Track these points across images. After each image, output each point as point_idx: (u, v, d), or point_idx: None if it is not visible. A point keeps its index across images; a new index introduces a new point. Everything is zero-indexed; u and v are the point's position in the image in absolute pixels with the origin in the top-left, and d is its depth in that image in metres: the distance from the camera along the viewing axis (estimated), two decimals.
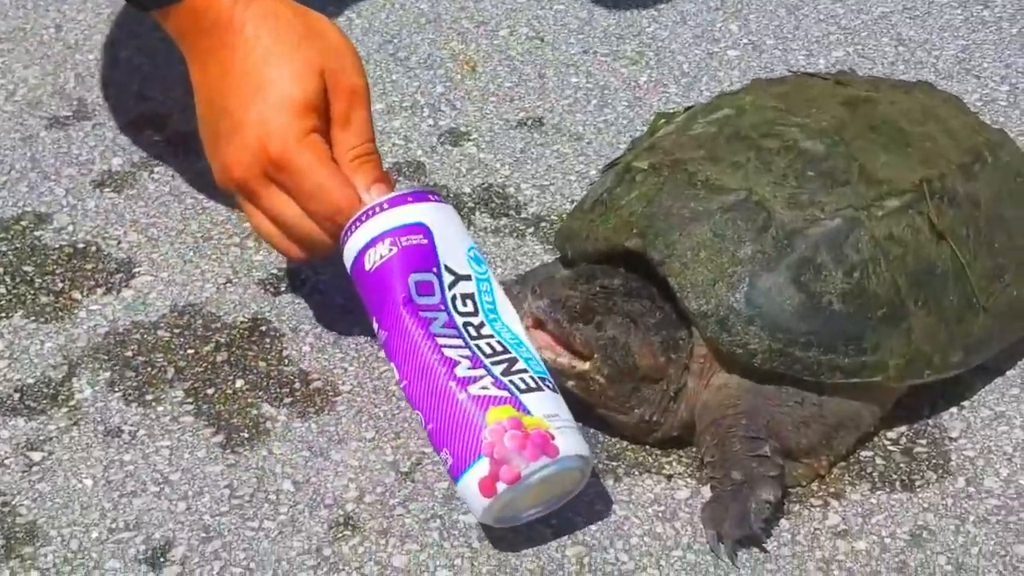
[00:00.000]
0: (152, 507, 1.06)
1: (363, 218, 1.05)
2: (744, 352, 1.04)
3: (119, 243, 1.31)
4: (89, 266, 1.28)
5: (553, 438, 0.98)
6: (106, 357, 1.18)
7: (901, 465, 1.10)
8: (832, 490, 1.08)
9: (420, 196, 1.06)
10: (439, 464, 1.09)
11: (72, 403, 1.14)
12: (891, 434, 1.12)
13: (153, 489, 1.07)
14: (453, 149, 1.45)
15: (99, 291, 1.25)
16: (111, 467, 1.09)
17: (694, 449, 1.08)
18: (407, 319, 1.01)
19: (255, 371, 1.18)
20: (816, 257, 1.05)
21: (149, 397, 1.15)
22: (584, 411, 1.07)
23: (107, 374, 1.17)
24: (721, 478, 1.03)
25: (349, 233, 1.05)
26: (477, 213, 1.36)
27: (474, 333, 1.02)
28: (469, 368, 0.99)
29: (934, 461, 1.10)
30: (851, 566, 1.02)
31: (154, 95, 1.51)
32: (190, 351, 1.19)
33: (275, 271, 1.28)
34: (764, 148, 1.11)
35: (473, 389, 0.98)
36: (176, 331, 1.21)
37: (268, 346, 1.20)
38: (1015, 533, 1.04)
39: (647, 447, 1.10)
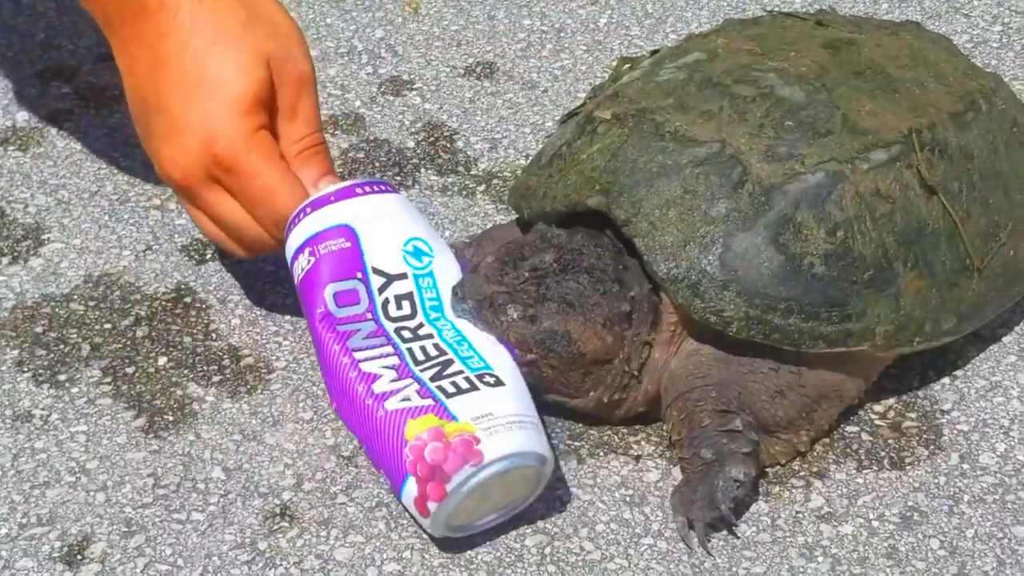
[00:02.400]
0: (67, 499, 1.04)
1: (291, 226, 1.05)
2: (718, 320, 1.03)
3: (26, 207, 1.29)
4: None
5: (478, 442, 0.96)
6: (13, 334, 1.16)
7: (889, 441, 1.10)
8: (815, 469, 1.07)
9: (345, 193, 1.05)
10: None
11: None
12: (878, 407, 1.12)
13: (68, 479, 1.05)
14: (395, 99, 1.43)
15: (3, 260, 1.23)
16: (21, 455, 1.07)
17: (663, 427, 1.08)
18: (324, 335, 1.02)
19: (179, 347, 1.16)
20: (796, 215, 1.04)
21: (62, 377, 1.13)
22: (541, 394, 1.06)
23: (15, 352, 1.15)
24: (690, 457, 1.03)
25: (285, 241, 1.05)
26: (422, 170, 1.34)
27: (408, 336, 1.02)
28: (392, 380, 0.99)
29: (925, 436, 1.10)
30: (836, 552, 1.02)
31: (62, 43, 1.48)
32: (107, 326, 1.18)
33: (199, 236, 1.26)
34: (738, 96, 1.10)
35: (391, 403, 0.98)
36: (91, 304, 1.19)
37: (193, 319, 1.19)
38: (1013, 513, 1.04)
39: (612, 428, 1.10)
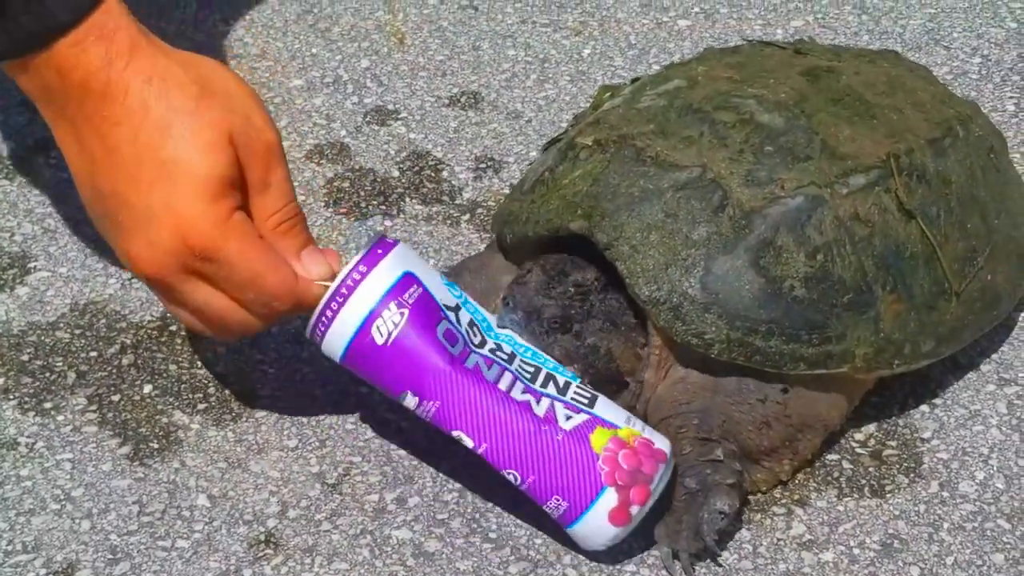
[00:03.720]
0: (53, 527, 1.04)
1: (340, 298, 1.00)
2: (700, 342, 1.04)
3: (12, 235, 1.29)
4: None
5: (652, 442, 1.00)
6: None
7: (870, 469, 1.10)
8: (796, 497, 1.08)
9: (386, 245, 1.02)
10: (368, 475, 1.09)
11: None
12: (859, 435, 1.13)
13: (53, 507, 1.06)
14: (380, 129, 1.44)
15: None
16: (6, 483, 1.07)
17: None
18: (459, 379, 0.99)
19: (165, 375, 1.17)
20: (776, 239, 1.06)
21: (48, 405, 1.14)
22: None
23: (0, 380, 1.15)
24: (674, 487, 1.03)
25: (328, 321, 1.00)
26: (407, 199, 1.35)
27: (504, 358, 1.02)
28: (538, 403, 1.00)
29: (905, 464, 1.11)
30: None
31: None
32: (93, 354, 1.18)
33: None
34: (718, 122, 1.11)
35: (563, 424, 0.99)
36: (77, 332, 1.20)
37: (179, 348, 1.19)
38: (992, 540, 1.05)
39: None
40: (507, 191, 1.34)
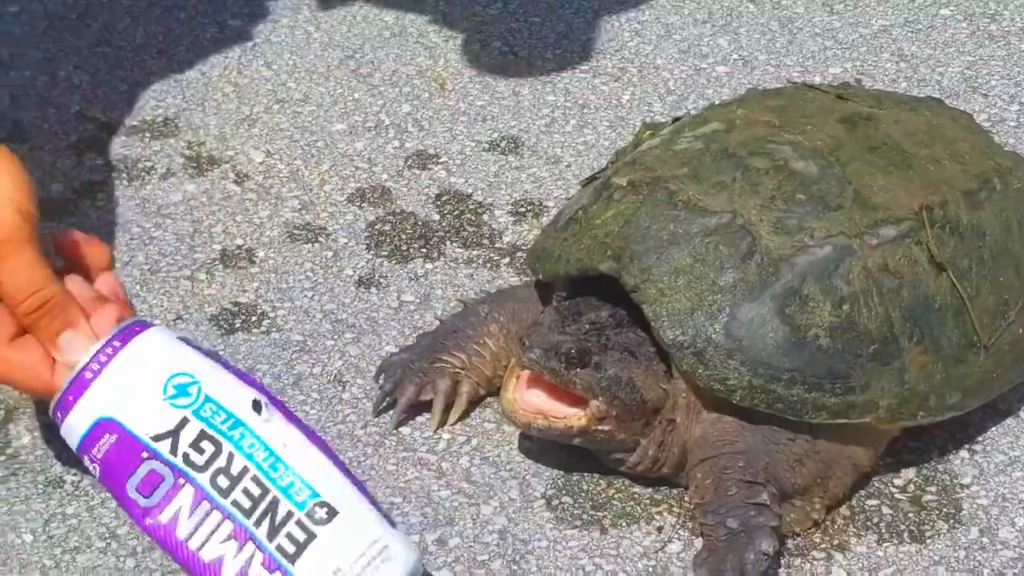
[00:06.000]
0: (98, 564, 1.06)
1: (58, 430, 0.99)
2: (722, 388, 1.05)
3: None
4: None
5: None
6: (45, 402, 1.18)
7: (909, 515, 1.11)
8: (836, 542, 1.08)
9: (79, 385, 0.97)
10: (409, 515, 1.09)
11: (9, 451, 1.14)
12: (898, 480, 1.13)
13: (99, 544, 1.07)
14: (421, 173, 1.45)
15: None
16: (52, 520, 1.09)
17: (686, 498, 1.09)
18: (151, 531, 0.96)
19: None
20: (803, 287, 1.06)
21: None
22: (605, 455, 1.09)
23: (46, 419, 1.16)
24: (715, 525, 1.04)
25: (65, 412, 0.98)
26: (448, 243, 1.36)
27: (226, 484, 0.95)
28: (235, 555, 0.94)
29: (945, 510, 1.11)
30: None
31: (96, 115, 1.51)
32: None
33: (228, 306, 1.28)
34: (752, 168, 1.12)
35: None
36: None
37: None
38: None
39: (635, 496, 1.11)
40: None
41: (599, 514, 1.10)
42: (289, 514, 0.95)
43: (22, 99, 1.53)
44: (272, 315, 1.28)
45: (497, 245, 1.36)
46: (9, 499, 1.10)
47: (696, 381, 1.06)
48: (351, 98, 1.56)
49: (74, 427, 0.98)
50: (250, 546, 0.94)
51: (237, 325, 1.27)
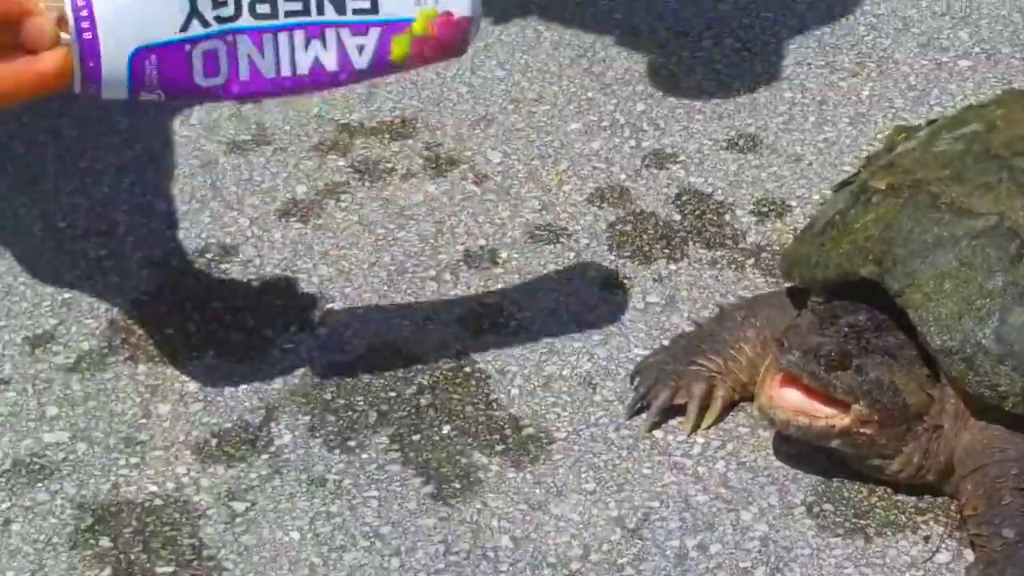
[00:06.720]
0: (364, 563, 1.07)
1: (92, 92, 0.97)
2: (993, 394, 1.03)
3: (309, 277, 1.33)
4: (279, 302, 1.30)
5: (451, 13, 1.00)
6: (304, 400, 1.21)
7: None
8: None
9: (88, 39, 0.95)
10: (668, 520, 1.09)
11: (272, 449, 1.16)
12: None
13: (363, 543, 1.09)
14: (659, 172, 1.45)
15: (292, 328, 1.28)
16: (317, 519, 1.11)
17: (953, 507, 1.07)
18: (242, 95, 1.00)
19: (462, 416, 1.19)
20: None
21: (352, 443, 1.17)
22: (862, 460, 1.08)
23: (306, 418, 1.19)
24: (988, 536, 1.02)
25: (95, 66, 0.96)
26: (691, 243, 1.36)
27: (267, 9, 0.97)
28: (326, 48, 0.98)
29: None
30: None
31: (334, 117, 1.53)
32: (392, 393, 1.21)
33: (476, 307, 1.29)
34: (1018, 168, 1.10)
35: (358, 62, 0.99)
36: (375, 372, 1.23)
37: (474, 389, 1.21)
38: None
39: (899, 504, 1.09)
40: (791, 235, 1.34)
41: (862, 522, 1.09)
42: None
43: (264, 101, 1.56)
44: (520, 317, 1.28)
45: (741, 246, 1.35)
46: (275, 497, 1.12)
47: (965, 387, 1.04)
48: (584, 97, 1.56)
49: (115, 79, 0.97)
50: (330, 32, 0.97)
51: (485, 326, 1.28)
